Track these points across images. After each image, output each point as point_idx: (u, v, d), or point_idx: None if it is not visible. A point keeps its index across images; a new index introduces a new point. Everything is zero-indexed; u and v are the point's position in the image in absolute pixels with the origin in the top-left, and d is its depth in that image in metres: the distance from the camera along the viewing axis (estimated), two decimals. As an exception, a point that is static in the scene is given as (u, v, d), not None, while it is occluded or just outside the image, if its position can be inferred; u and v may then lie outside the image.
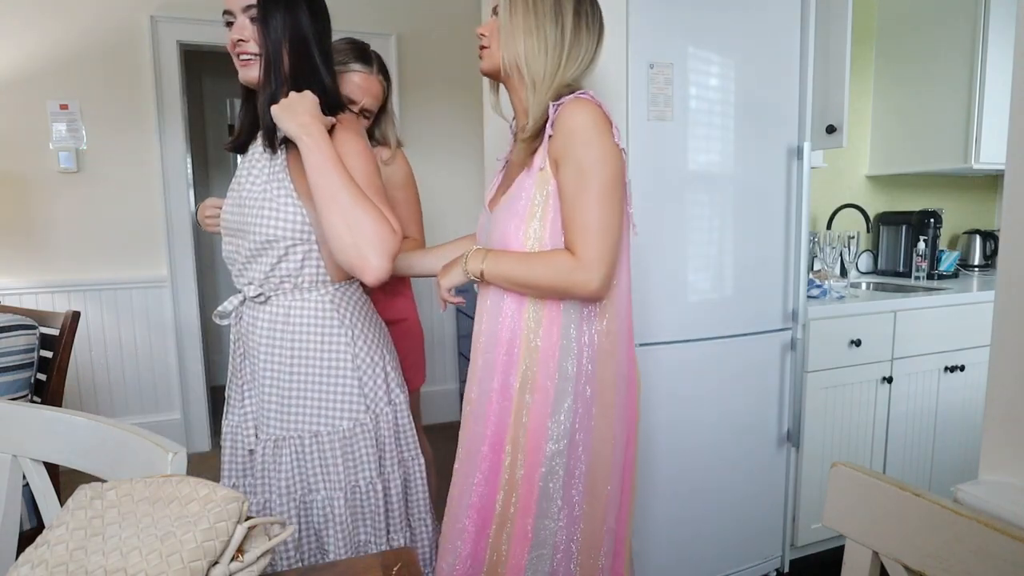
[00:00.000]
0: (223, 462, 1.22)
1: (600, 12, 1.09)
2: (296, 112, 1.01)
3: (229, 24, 1.08)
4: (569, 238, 0.99)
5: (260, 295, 1.14)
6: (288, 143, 1.09)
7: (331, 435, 1.13)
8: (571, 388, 1.04)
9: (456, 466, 1.14)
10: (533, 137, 1.03)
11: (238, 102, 1.24)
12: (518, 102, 1.09)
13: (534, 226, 1.02)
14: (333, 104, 1.11)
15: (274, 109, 1.03)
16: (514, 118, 1.15)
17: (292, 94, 1.04)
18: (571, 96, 0.99)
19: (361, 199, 0.99)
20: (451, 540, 1.10)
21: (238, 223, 1.13)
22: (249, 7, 1.04)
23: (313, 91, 1.06)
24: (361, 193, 1.00)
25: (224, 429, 1.23)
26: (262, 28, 1.04)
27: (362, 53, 1.48)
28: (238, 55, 1.07)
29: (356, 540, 1.17)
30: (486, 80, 1.20)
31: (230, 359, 1.22)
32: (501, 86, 1.14)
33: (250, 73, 1.07)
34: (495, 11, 1.07)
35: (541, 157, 1.01)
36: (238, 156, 1.22)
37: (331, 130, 1.07)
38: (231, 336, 1.22)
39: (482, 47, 1.09)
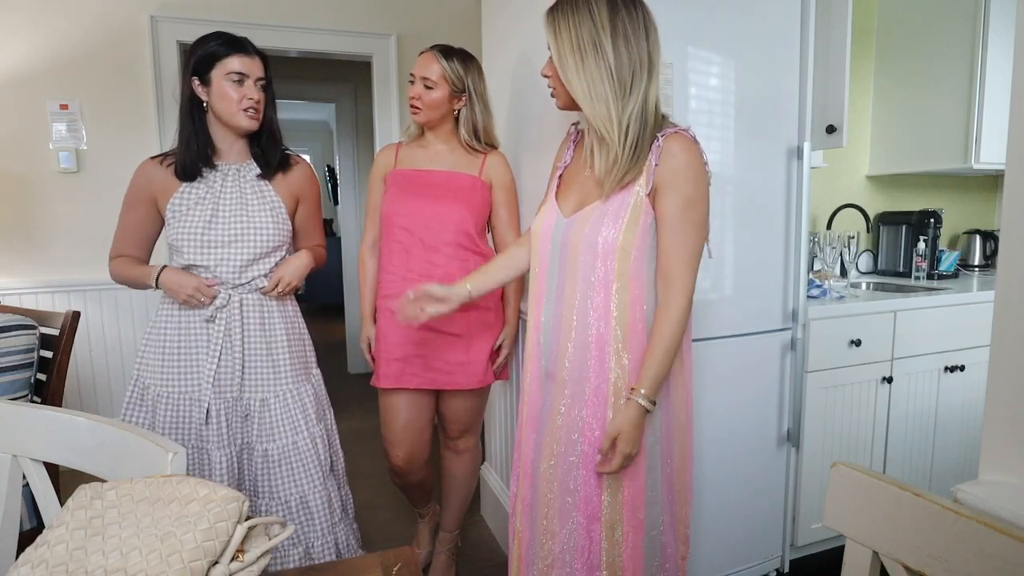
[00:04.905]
0: (217, 426, 1.41)
1: (642, 10, 1.09)
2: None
3: (240, 81, 1.37)
4: (667, 262, 1.10)
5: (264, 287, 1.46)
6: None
7: (312, 382, 1.55)
8: (663, 388, 1.15)
9: (552, 461, 1.19)
10: (611, 180, 1.10)
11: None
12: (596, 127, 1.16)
13: (629, 236, 1.10)
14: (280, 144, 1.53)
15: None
16: (581, 126, 1.26)
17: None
18: (672, 131, 1.09)
19: None
20: (562, 529, 1.17)
21: (236, 233, 1.41)
22: (260, 79, 1.41)
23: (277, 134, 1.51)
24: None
25: (219, 398, 1.42)
26: (267, 94, 1.44)
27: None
28: (249, 109, 1.39)
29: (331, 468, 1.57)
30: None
31: (214, 346, 1.42)
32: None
33: (254, 125, 1.42)
34: (549, 50, 1.13)
35: (644, 181, 1.09)
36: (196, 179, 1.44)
37: (288, 166, 1.51)
38: (218, 327, 1.43)
39: (551, 87, 1.16)
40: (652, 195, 1.09)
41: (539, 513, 1.21)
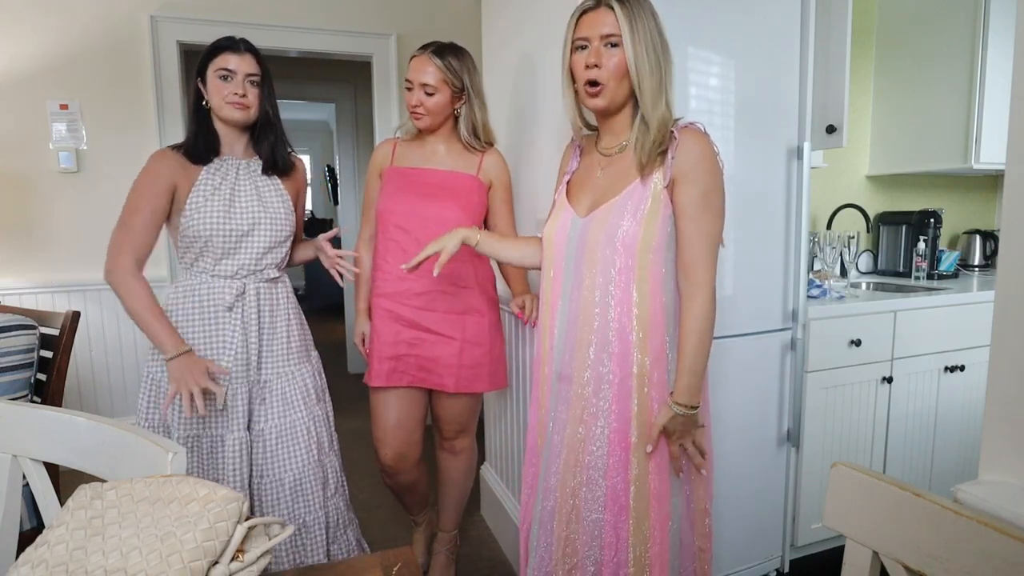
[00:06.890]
0: (235, 403, 1.44)
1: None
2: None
3: (226, 77, 1.41)
4: (688, 252, 1.13)
5: (278, 277, 1.54)
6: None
7: (312, 363, 1.61)
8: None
9: (576, 460, 1.20)
10: (650, 158, 1.13)
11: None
12: (616, 127, 1.19)
13: (649, 229, 1.13)
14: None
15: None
16: (584, 135, 1.28)
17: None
18: (683, 124, 1.14)
19: None
20: (587, 529, 1.18)
21: (254, 221, 1.46)
22: (251, 75, 1.43)
23: (279, 131, 1.53)
24: None
25: (238, 379, 1.45)
26: (261, 91, 1.46)
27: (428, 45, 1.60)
28: (237, 104, 1.42)
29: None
30: (567, 101, 1.23)
31: (231, 335, 1.45)
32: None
33: (243, 115, 1.44)
34: (605, 43, 1.12)
35: (661, 174, 1.13)
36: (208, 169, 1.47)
37: (291, 171, 1.56)
38: (235, 316, 1.46)
39: (598, 84, 1.14)
40: (670, 188, 1.13)
41: (560, 517, 1.20)
